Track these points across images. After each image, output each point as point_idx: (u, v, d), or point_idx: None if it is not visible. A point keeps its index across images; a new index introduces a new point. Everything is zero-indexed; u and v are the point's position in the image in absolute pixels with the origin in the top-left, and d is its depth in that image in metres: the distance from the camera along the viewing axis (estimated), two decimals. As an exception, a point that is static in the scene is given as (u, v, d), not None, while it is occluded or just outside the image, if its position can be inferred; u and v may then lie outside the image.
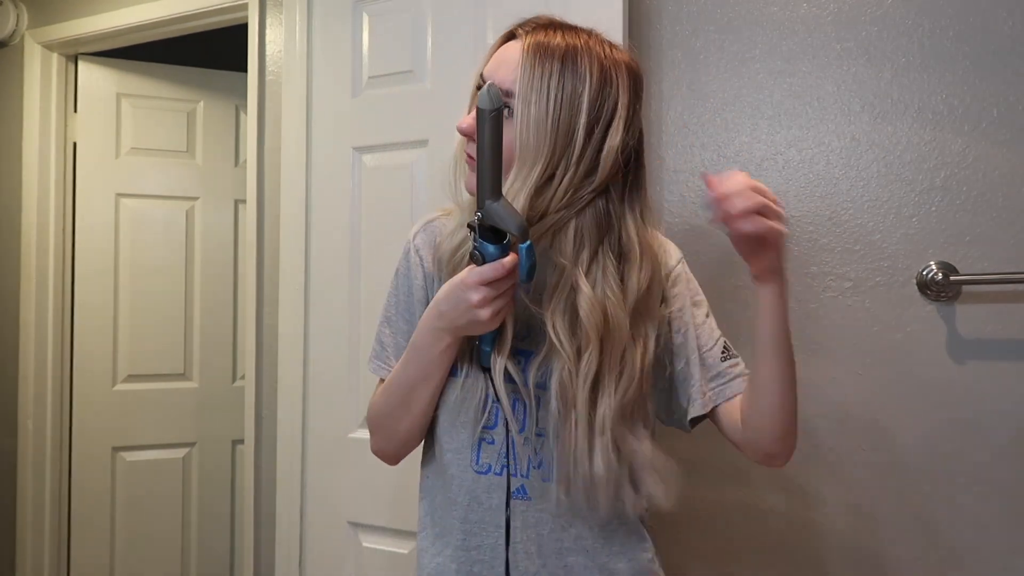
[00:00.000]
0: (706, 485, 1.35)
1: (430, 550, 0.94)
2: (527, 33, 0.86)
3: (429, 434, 0.96)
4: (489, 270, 0.76)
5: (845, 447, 1.28)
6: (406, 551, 1.51)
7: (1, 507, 2.35)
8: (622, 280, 0.85)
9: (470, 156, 0.88)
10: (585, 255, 0.84)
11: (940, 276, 1.22)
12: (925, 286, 1.24)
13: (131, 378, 2.44)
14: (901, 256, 1.26)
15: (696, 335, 0.93)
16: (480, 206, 0.75)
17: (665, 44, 1.42)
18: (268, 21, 1.89)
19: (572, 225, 0.84)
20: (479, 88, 0.88)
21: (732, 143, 1.37)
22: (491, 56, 0.89)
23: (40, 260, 2.32)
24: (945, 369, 1.23)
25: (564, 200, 0.83)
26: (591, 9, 1.30)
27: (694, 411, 0.92)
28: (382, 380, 0.98)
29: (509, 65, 0.84)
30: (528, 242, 0.74)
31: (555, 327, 0.83)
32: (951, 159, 1.23)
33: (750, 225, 0.75)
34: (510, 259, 0.76)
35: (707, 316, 0.96)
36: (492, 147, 0.74)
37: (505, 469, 0.88)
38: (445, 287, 0.83)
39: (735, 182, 0.76)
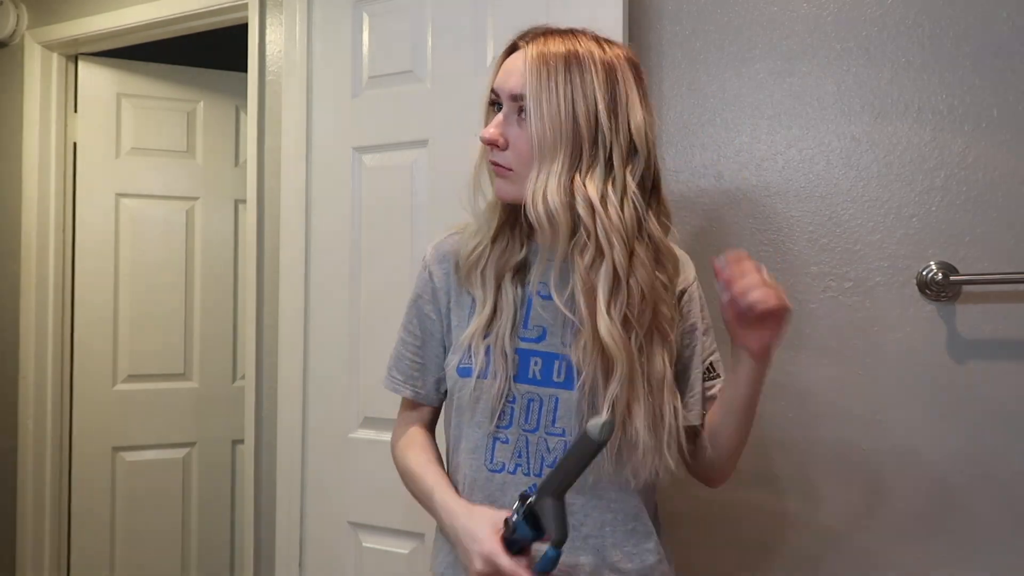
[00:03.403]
0: (704, 486, 1.35)
1: (445, 547, 0.96)
2: (528, 42, 0.88)
3: (442, 434, 0.98)
4: (509, 566, 0.76)
5: (845, 447, 1.28)
6: (406, 551, 1.51)
7: (1, 507, 2.35)
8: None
9: (496, 164, 0.90)
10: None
11: (940, 276, 1.21)
12: (925, 286, 1.24)
13: (131, 378, 2.44)
14: (901, 256, 1.26)
15: (700, 351, 0.98)
16: (540, 493, 0.75)
17: (665, 44, 1.42)
18: (268, 21, 1.89)
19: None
20: (492, 104, 0.91)
21: (732, 143, 1.37)
22: (498, 69, 0.91)
23: (40, 260, 2.31)
24: (945, 369, 1.23)
25: (611, 186, 0.85)
26: (591, 9, 1.30)
27: (691, 419, 0.96)
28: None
29: (517, 72, 0.87)
30: (559, 551, 0.73)
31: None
32: (951, 159, 1.23)
33: (763, 305, 0.80)
34: (526, 572, 0.76)
35: (712, 342, 1.00)
36: (579, 464, 0.74)
37: (519, 468, 0.90)
38: (470, 526, 0.83)
39: (751, 281, 0.81)
